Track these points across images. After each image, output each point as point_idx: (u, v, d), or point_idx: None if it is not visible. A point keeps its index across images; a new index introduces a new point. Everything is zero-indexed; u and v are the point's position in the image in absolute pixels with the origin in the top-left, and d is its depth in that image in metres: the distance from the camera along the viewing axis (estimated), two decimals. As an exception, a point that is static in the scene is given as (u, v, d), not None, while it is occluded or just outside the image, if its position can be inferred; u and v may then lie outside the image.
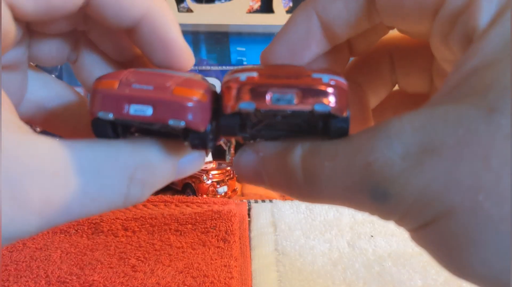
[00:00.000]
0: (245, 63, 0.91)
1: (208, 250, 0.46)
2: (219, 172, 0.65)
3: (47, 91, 0.23)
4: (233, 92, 0.17)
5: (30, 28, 0.20)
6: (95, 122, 0.18)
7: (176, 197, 0.58)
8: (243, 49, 0.90)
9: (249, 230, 0.51)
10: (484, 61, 0.15)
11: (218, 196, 0.63)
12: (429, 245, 0.16)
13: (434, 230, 0.15)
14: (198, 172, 0.61)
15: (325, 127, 0.18)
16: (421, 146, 0.14)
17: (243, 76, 0.17)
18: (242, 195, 0.67)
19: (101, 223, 0.50)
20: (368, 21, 0.19)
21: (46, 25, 0.20)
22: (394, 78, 0.24)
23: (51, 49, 0.22)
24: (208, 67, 0.87)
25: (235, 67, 0.19)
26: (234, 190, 0.67)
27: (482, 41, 0.15)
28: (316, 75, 0.17)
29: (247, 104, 0.17)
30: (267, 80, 0.17)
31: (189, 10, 0.83)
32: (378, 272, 0.42)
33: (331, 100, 0.17)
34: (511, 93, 0.14)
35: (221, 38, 0.90)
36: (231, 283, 0.40)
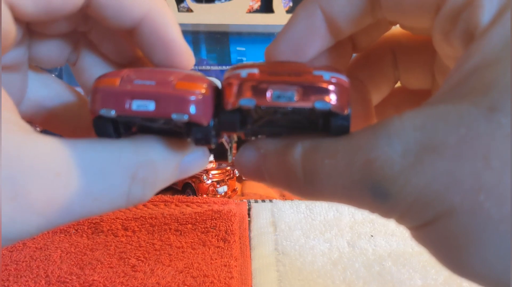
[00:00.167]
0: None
1: (208, 250, 0.46)
2: (219, 171, 0.65)
3: (47, 91, 0.23)
4: (234, 88, 0.17)
5: (30, 29, 0.20)
6: (96, 121, 0.18)
7: (176, 196, 0.58)
8: (243, 49, 0.90)
9: (249, 230, 0.51)
10: (485, 60, 0.15)
11: (218, 196, 0.63)
12: (430, 244, 0.16)
13: (434, 229, 0.15)
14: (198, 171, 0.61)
15: (326, 124, 0.18)
16: (421, 145, 0.14)
17: (244, 73, 0.17)
18: (242, 194, 0.67)
19: (101, 223, 0.50)
20: (371, 16, 0.19)
21: (46, 26, 0.20)
22: (397, 75, 0.24)
23: (51, 50, 0.22)
24: (208, 67, 0.87)
25: (236, 64, 0.19)
26: (234, 190, 0.67)
27: (483, 40, 0.15)
28: (317, 73, 0.17)
29: (247, 101, 0.17)
30: (268, 77, 0.17)
31: (189, 10, 0.83)
32: (378, 271, 0.42)
33: (332, 98, 0.17)
34: (511, 93, 0.14)
35: (221, 38, 0.90)
36: (231, 283, 0.40)
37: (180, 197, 0.58)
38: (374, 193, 0.15)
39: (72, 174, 0.16)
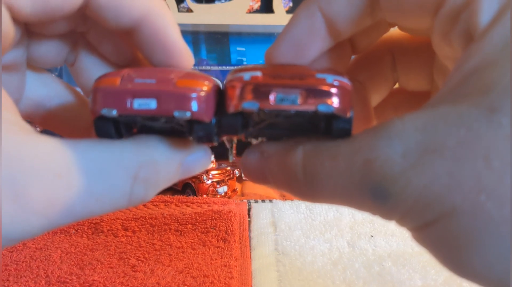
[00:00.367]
0: (245, 63, 0.91)
1: (208, 250, 0.46)
2: (219, 172, 0.65)
3: (46, 90, 0.23)
4: (237, 91, 0.17)
5: (29, 29, 0.20)
6: (97, 122, 0.18)
7: (176, 197, 0.58)
8: (243, 49, 0.90)
9: (249, 230, 0.51)
10: (485, 61, 0.15)
11: (218, 196, 0.63)
12: (430, 244, 0.16)
13: (435, 230, 0.15)
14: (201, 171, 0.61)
15: (328, 127, 0.18)
16: (422, 146, 0.14)
17: (247, 76, 0.17)
18: (242, 195, 0.67)
19: (101, 223, 0.50)
20: (370, 17, 0.19)
21: (44, 26, 0.20)
22: (396, 76, 0.24)
23: (50, 50, 0.22)
24: (208, 67, 0.87)
25: (238, 67, 0.18)
26: (234, 190, 0.67)
27: (483, 40, 0.15)
28: (320, 76, 0.17)
29: (250, 104, 0.17)
30: (271, 80, 0.17)
31: (189, 10, 0.83)
32: (378, 272, 0.42)
33: (335, 101, 0.16)
34: (511, 93, 0.14)
35: (221, 38, 0.90)
36: (231, 283, 0.40)
37: (180, 197, 0.58)
38: (374, 194, 0.15)
39: (73, 175, 0.16)
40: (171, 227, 0.50)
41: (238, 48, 0.90)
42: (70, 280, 0.40)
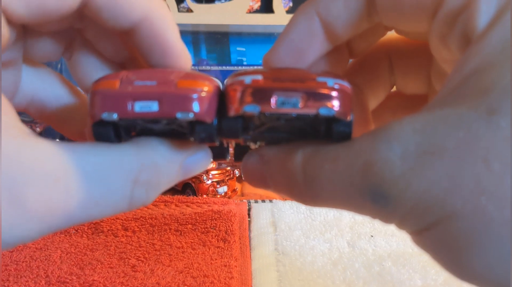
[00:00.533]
0: (245, 63, 0.91)
1: (208, 250, 0.46)
2: (219, 172, 0.65)
3: (42, 83, 0.22)
4: (238, 94, 0.17)
5: (25, 27, 0.20)
6: (97, 126, 0.17)
7: (176, 197, 0.58)
8: (243, 49, 0.90)
9: (249, 230, 0.51)
10: (484, 63, 0.15)
11: (218, 196, 0.63)
12: (430, 247, 0.16)
13: (435, 233, 0.15)
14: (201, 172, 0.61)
15: (328, 131, 0.18)
16: (421, 148, 0.14)
17: (248, 79, 0.17)
18: (242, 195, 0.67)
19: (101, 223, 0.50)
20: (367, 20, 0.19)
21: (41, 25, 0.20)
22: (393, 80, 0.24)
23: (46, 46, 0.21)
24: (208, 67, 0.87)
25: (239, 70, 0.18)
26: (234, 190, 0.67)
27: (481, 43, 0.15)
28: (321, 79, 0.17)
29: (251, 107, 0.17)
30: (272, 83, 0.17)
31: (189, 10, 0.83)
32: (378, 272, 0.42)
33: (336, 104, 0.16)
34: (511, 95, 0.14)
35: (221, 38, 0.90)
36: (231, 283, 0.40)
37: (180, 197, 0.58)
38: (374, 197, 0.15)
39: (72, 179, 0.15)
40: (171, 227, 0.50)
41: (238, 48, 0.90)
42: (70, 280, 0.40)
